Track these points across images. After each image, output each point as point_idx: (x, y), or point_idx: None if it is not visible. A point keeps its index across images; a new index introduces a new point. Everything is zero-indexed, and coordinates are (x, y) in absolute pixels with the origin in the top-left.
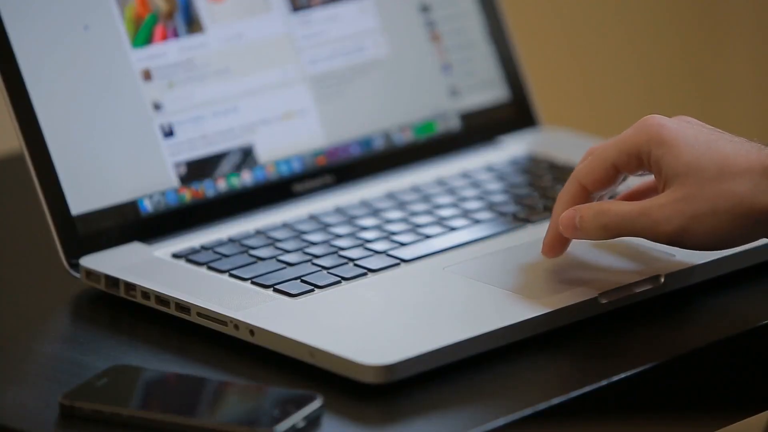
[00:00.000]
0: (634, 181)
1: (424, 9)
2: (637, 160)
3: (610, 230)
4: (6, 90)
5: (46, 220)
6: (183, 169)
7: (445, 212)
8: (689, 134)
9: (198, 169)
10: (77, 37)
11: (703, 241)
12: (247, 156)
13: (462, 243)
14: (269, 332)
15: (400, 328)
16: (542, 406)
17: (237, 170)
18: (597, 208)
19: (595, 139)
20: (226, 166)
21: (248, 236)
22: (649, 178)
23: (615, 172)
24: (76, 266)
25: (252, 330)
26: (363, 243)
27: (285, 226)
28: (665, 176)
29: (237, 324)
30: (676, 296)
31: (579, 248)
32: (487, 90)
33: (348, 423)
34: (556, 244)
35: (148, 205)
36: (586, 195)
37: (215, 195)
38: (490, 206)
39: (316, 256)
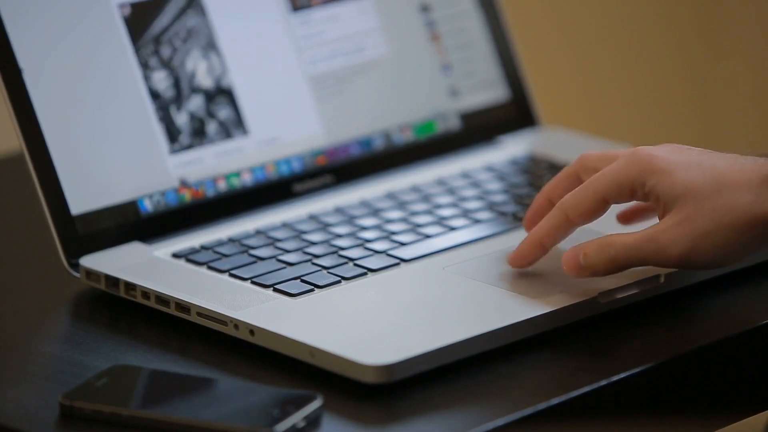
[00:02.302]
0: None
1: (424, 9)
2: (630, 192)
3: (618, 262)
4: (6, 90)
5: (46, 220)
6: (127, 11)
7: (445, 212)
8: (680, 158)
9: (144, 12)
10: (77, 37)
11: (712, 257)
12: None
13: (462, 243)
14: (269, 332)
15: (400, 328)
16: (542, 406)
17: (182, 13)
18: (600, 242)
19: (595, 139)
20: (172, 8)
21: (248, 236)
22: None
23: (604, 205)
24: (76, 266)
25: (252, 330)
26: (363, 243)
27: (285, 226)
28: (664, 202)
29: (237, 324)
30: (676, 296)
31: None
32: (487, 90)
33: (348, 423)
34: (525, 260)
35: (148, 205)
36: (569, 226)
37: (215, 195)
38: (490, 206)
39: (316, 256)
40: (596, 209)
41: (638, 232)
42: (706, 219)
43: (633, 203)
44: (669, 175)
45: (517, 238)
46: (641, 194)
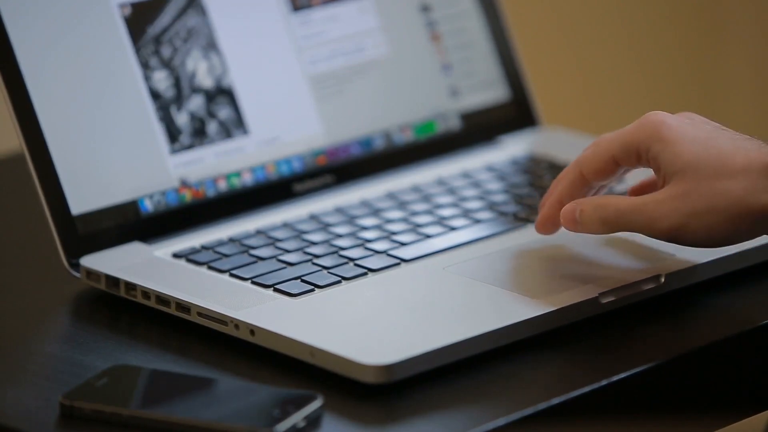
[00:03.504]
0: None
1: (424, 9)
2: (636, 156)
3: (608, 224)
4: (6, 90)
5: (47, 220)
6: (128, 11)
7: (445, 212)
8: (689, 131)
9: (144, 12)
10: (77, 37)
11: (700, 238)
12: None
13: (462, 243)
14: (269, 332)
15: (400, 328)
16: (542, 406)
17: (183, 13)
18: (597, 201)
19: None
20: (172, 8)
21: (248, 236)
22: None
23: (615, 165)
24: (76, 266)
25: (252, 330)
26: (363, 243)
27: (285, 225)
28: (664, 173)
29: (237, 324)
30: (676, 296)
31: (579, 247)
32: (487, 90)
33: (348, 423)
34: (550, 221)
35: (148, 205)
36: (584, 183)
37: (215, 195)
38: (491, 206)
39: (317, 256)
40: (607, 168)
41: (634, 198)
42: (701, 199)
43: (645, 178)
44: (673, 146)
45: (517, 238)
46: (645, 159)
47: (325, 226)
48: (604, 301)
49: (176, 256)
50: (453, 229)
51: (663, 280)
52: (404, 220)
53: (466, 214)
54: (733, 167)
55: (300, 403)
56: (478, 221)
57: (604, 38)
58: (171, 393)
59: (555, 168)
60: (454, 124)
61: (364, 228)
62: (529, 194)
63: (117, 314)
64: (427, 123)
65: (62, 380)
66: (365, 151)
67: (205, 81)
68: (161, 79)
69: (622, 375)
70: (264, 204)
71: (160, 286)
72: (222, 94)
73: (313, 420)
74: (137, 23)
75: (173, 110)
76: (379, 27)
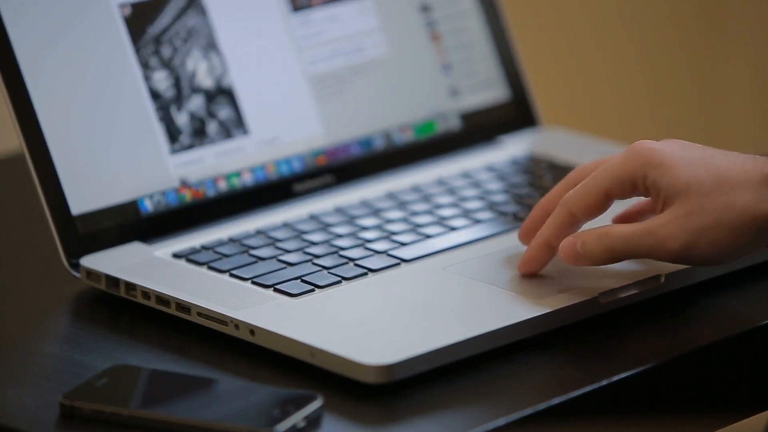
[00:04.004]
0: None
1: (424, 9)
2: (632, 186)
3: (615, 252)
4: (6, 90)
5: (47, 220)
6: (128, 11)
7: (445, 212)
8: (682, 153)
9: (144, 12)
10: (77, 37)
11: (710, 254)
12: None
13: (462, 243)
14: (269, 332)
15: (400, 328)
16: (542, 406)
17: (183, 13)
18: (599, 231)
19: (595, 139)
20: (172, 8)
21: (248, 236)
22: (637, 200)
23: (607, 199)
24: (76, 266)
25: (252, 330)
26: (363, 243)
27: (285, 226)
28: (664, 196)
29: (237, 324)
30: (676, 296)
31: None
32: (487, 90)
33: (348, 423)
34: (536, 262)
35: (148, 205)
36: (573, 222)
37: (215, 195)
38: (491, 206)
39: (317, 256)
40: (599, 205)
41: (637, 224)
42: (707, 216)
43: (628, 207)
44: (671, 169)
45: (517, 238)
46: (642, 187)
47: (325, 226)
48: (604, 301)
49: (176, 256)
50: (453, 229)
51: (663, 280)
52: (404, 220)
53: (466, 214)
54: (733, 181)
55: (300, 403)
56: (478, 221)
57: (604, 38)
58: (171, 393)
59: (555, 168)
60: (454, 124)
61: (364, 228)
62: (529, 194)
63: (117, 314)
64: (427, 123)
65: (62, 380)
66: (365, 151)
67: (205, 81)
68: (161, 79)
69: (622, 375)
70: (264, 204)
71: (160, 286)
72: (222, 94)
73: (313, 420)
74: (137, 23)
75: (173, 110)
76: (379, 27)
